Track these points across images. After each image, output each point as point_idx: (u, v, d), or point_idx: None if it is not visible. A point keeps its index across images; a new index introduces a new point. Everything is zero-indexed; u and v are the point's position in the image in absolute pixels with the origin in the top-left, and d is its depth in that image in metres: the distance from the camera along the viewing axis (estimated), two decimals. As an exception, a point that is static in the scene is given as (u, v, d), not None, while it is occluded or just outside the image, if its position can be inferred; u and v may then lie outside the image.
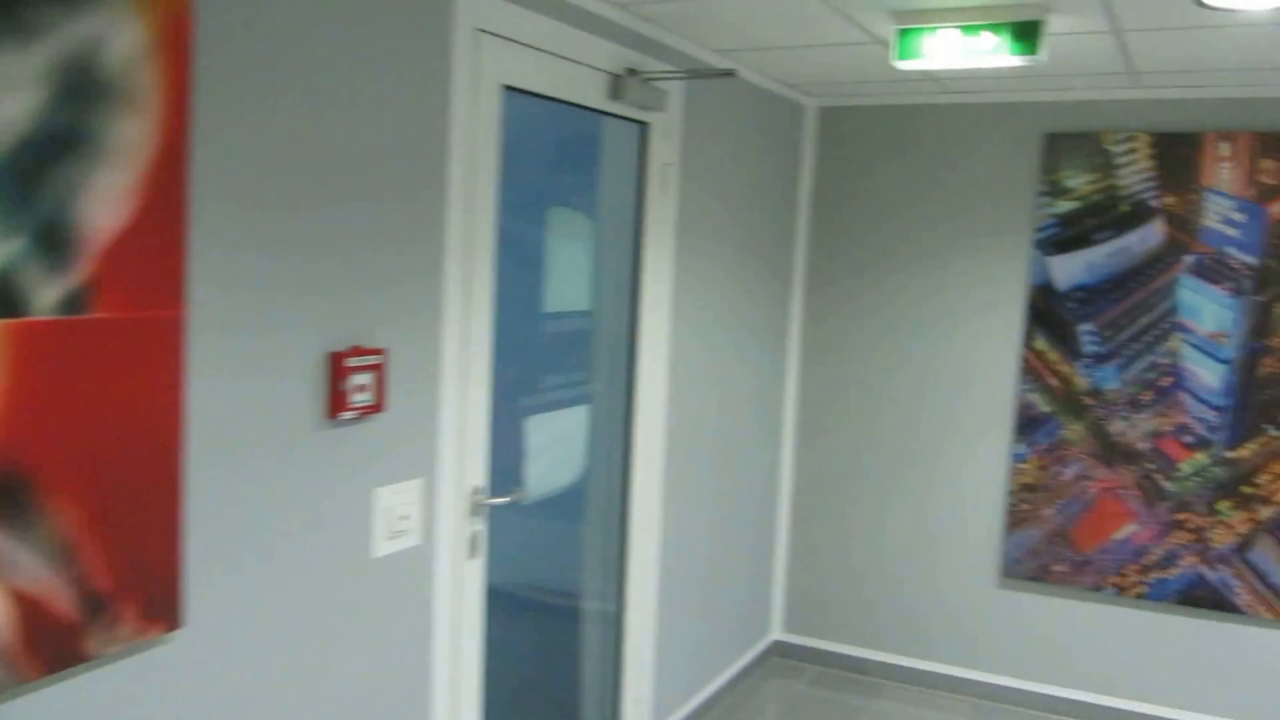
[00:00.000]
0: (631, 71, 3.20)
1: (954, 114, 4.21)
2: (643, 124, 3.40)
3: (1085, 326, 3.99)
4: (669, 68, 3.34)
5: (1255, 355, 3.78)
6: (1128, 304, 3.93)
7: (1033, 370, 4.04)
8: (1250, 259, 3.76)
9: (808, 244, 4.51)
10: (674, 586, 3.78)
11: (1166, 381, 3.91)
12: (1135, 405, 3.95)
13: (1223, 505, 3.85)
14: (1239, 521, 3.84)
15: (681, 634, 3.88)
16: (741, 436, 4.19)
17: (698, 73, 3.31)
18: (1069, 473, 4.07)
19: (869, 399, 4.42)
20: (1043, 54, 3.06)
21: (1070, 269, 4.00)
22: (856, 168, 4.40)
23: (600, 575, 3.54)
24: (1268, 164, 3.70)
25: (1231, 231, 3.79)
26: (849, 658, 4.56)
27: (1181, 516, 3.91)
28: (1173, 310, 3.88)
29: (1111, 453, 3.95)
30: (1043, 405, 4.09)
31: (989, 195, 4.14)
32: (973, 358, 4.20)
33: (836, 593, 4.58)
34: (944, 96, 4.21)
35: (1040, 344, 4.08)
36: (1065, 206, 3.97)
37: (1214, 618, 3.90)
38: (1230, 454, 3.84)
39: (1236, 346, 3.79)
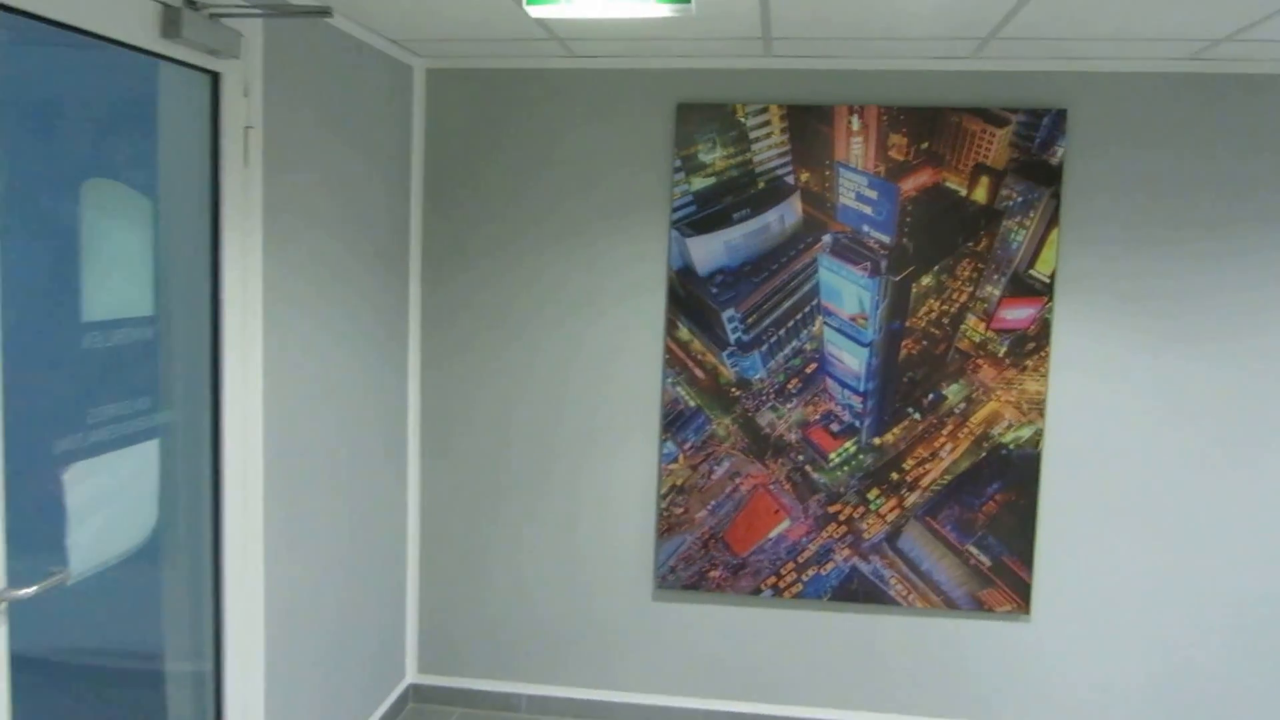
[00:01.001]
0: (191, 3, 2.44)
1: (582, 80, 3.73)
2: (212, 74, 2.60)
3: (729, 313, 3.70)
4: (242, 1, 2.60)
5: (894, 337, 3.66)
6: (769, 288, 3.68)
7: (678, 362, 3.66)
8: (884, 237, 3.62)
9: (424, 230, 3.85)
10: (286, 636, 3.03)
11: (812, 368, 3.70)
12: (783, 395, 3.71)
13: (872, 494, 3.70)
14: (888, 510, 3.71)
15: (299, 689, 3.14)
16: (361, 459, 3.48)
17: (280, 8, 2.54)
18: (720, 471, 3.76)
19: (501, 403, 3.85)
20: (693, 4, 2.67)
21: (710, 251, 3.70)
22: (476, 141, 3.80)
23: (190, 637, 2.75)
24: (897, 139, 3.57)
25: (866, 209, 3.63)
26: (495, 695, 3.95)
27: (834, 509, 3.71)
28: (814, 293, 3.66)
29: (762, 446, 3.65)
30: (690, 399, 3.76)
31: (624, 171, 3.70)
32: (616, 351, 3.75)
33: (476, 623, 3.97)
34: (570, 61, 3.70)
35: (684, 333, 3.74)
36: (701, 183, 3.63)
37: (869, 611, 3.72)
38: (877, 440, 3.69)
39: (876, 329, 3.64)
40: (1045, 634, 3.66)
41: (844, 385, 3.64)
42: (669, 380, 3.67)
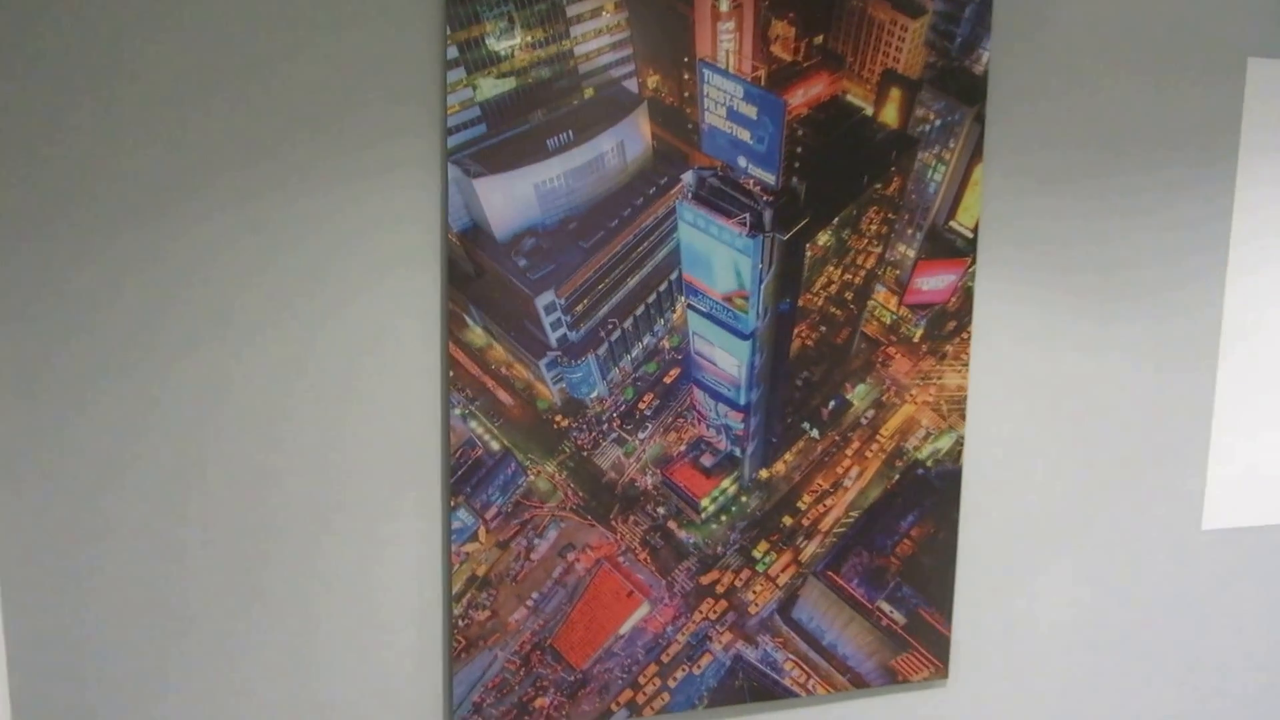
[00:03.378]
0: None
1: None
2: None
3: (546, 298, 2.29)
4: None
5: (784, 323, 2.44)
6: (606, 256, 2.30)
7: (469, 380, 2.11)
8: (768, 175, 2.39)
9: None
10: None
11: (672, 376, 2.39)
12: (632, 420, 2.36)
13: (759, 550, 2.47)
14: (780, 569, 2.51)
15: None
16: None
17: None
18: (545, 545, 2.33)
19: (161, 464, 2.03)
20: None
21: (513, 200, 2.25)
22: (36, 49, 1.92)
23: None
24: (781, 28, 2.34)
25: (742, 134, 2.38)
26: None
27: (709, 578, 2.41)
28: (672, 262, 2.32)
29: (606, 501, 2.22)
30: (492, 438, 2.31)
31: (356, 77, 2.03)
32: (359, 369, 2.09)
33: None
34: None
35: (475, 334, 2.28)
36: (493, 88, 2.06)
37: (759, 711, 2.43)
38: (764, 473, 2.47)
39: (760, 312, 2.44)
40: (967, 699, 2.62)
41: (718, 397, 2.41)
42: (456, 410, 2.12)
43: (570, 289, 2.16)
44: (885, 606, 2.48)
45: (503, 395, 2.17)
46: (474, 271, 2.12)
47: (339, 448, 2.11)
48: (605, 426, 2.22)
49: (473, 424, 2.16)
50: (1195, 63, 2.56)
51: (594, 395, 2.21)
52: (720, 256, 2.24)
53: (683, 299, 2.24)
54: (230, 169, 1.99)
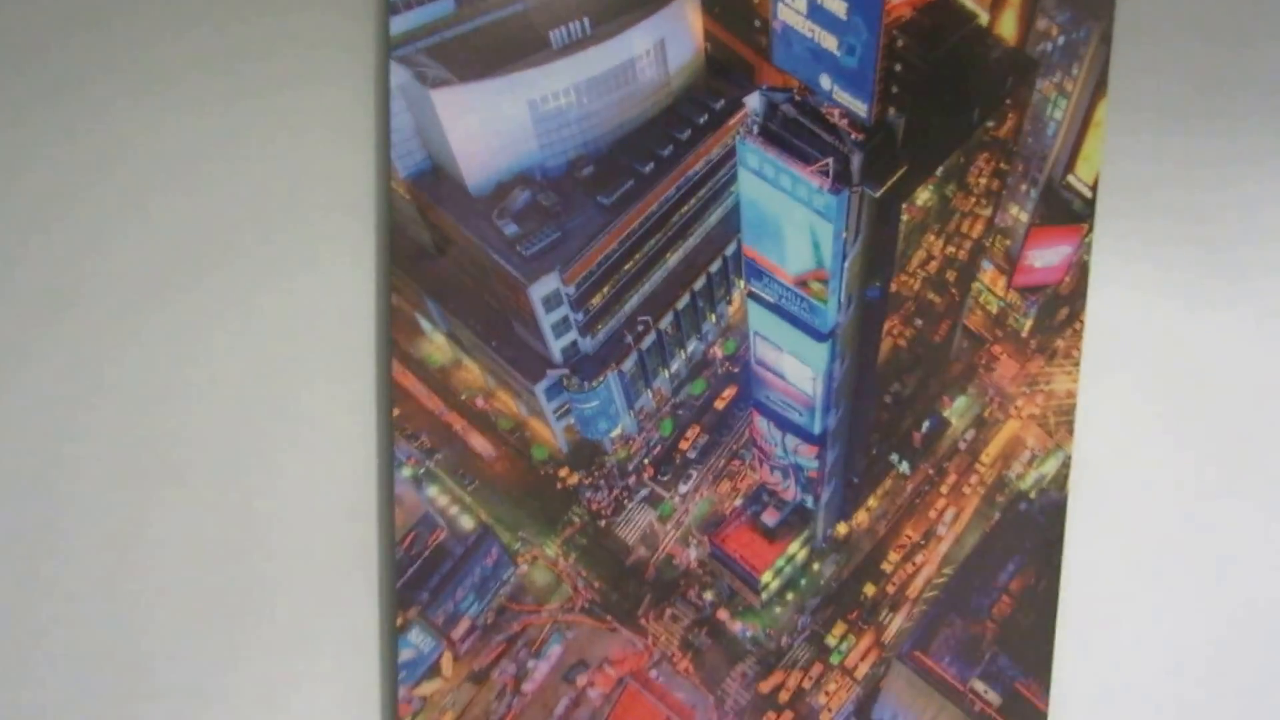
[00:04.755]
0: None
1: None
2: None
3: (546, 286, 1.44)
4: None
5: (872, 316, 1.66)
6: (638, 219, 1.51)
7: (423, 420, 1.25)
8: (857, 103, 1.64)
9: None
10: None
11: (725, 400, 1.58)
12: (670, 466, 1.55)
13: (835, 634, 1.75)
14: (859, 656, 1.79)
15: None
16: None
17: None
18: (543, 668, 1.44)
19: None
20: None
21: (495, 128, 1.37)
22: None
23: None
24: None
25: (827, 40, 1.59)
26: None
27: (770, 683, 1.70)
28: (729, 229, 1.59)
29: (631, 591, 1.41)
30: (461, 512, 1.45)
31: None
32: (241, 421, 1.19)
33: None
34: None
35: (433, 345, 1.40)
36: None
37: None
38: (841, 528, 1.75)
39: (843, 302, 1.69)
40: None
41: (786, 426, 1.63)
42: (405, 470, 1.26)
43: (583, 271, 1.37)
44: (979, 686, 1.82)
45: (478, 442, 1.36)
46: (433, 244, 1.30)
47: (213, 544, 1.26)
48: (632, 480, 1.45)
49: (431, 490, 1.34)
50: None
51: (616, 434, 1.43)
52: (793, 221, 1.50)
53: (742, 284, 1.50)
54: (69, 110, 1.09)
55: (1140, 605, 1.95)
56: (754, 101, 1.41)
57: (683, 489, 1.43)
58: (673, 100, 1.33)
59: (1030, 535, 1.78)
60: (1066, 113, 1.68)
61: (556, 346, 1.32)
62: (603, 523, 1.38)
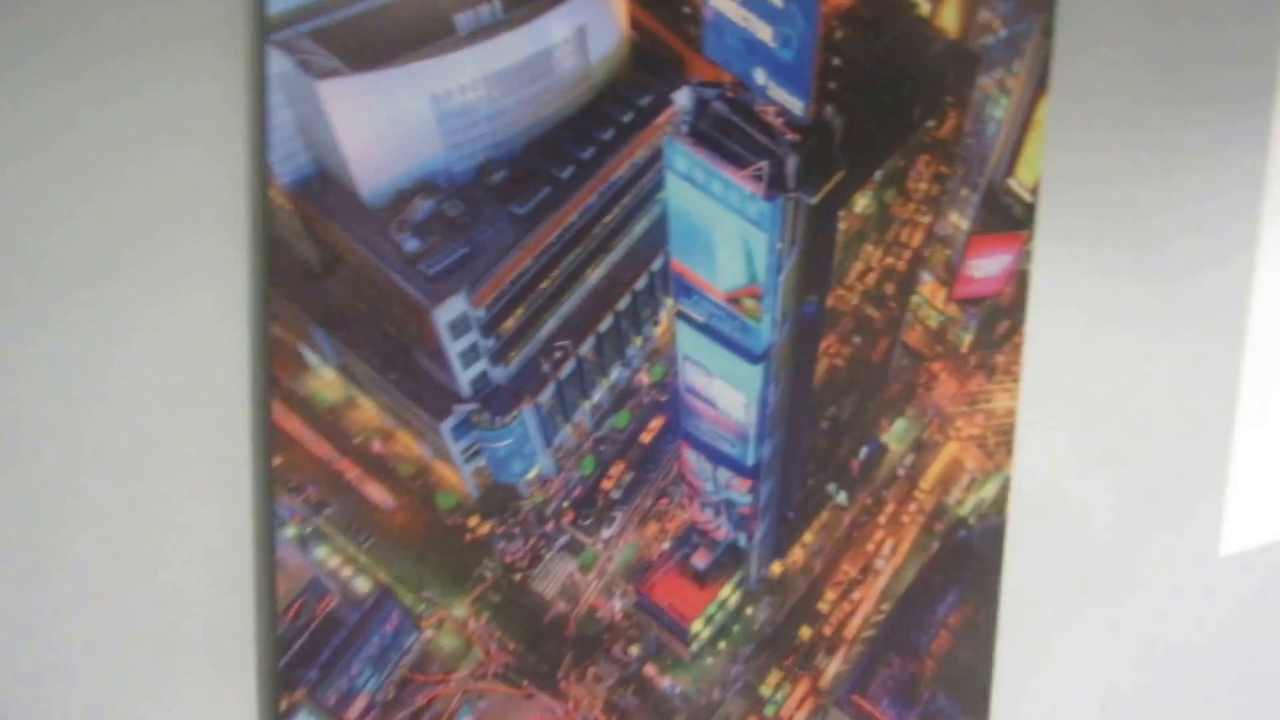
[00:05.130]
0: None
1: None
2: None
3: (452, 309, 1.24)
4: None
5: (808, 334, 1.54)
6: (555, 232, 1.35)
7: (309, 469, 1.07)
8: (794, 100, 1.51)
9: None
10: None
11: (651, 432, 1.43)
12: (592, 508, 1.38)
13: (770, 682, 1.60)
14: (796, 705, 1.64)
15: None
16: None
17: None
18: (453, 744, 1.38)
19: None
20: None
21: (393, 126, 1.18)
22: None
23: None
24: None
25: (761, 30, 1.45)
26: None
27: None
28: (656, 241, 1.43)
29: (550, 651, 1.25)
30: (356, 574, 1.23)
31: None
32: (103, 463, 0.98)
33: None
34: None
35: (321, 381, 1.20)
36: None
37: None
38: (776, 568, 1.61)
39: (776, 319, 1.56)
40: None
41: (718, 458, 1.48)
42: (289, 529, 1.06)
43: (494, 291, 1.21)
44: (913, 728, 1.76)
45: (375, 491, 1.19)
46: (320, 264, 1.13)
47: (61, 639, 1.06)
48: (550, 527, 1.29)
49: (320, 550, 1.17)
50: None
51: (532, 475, 1.27)
52: (725, 231, 1.37)
53: (670, 303, 1.36)
54: None
55: (1077, 636, 1.90)
56: (683, 98, 1.27)
57: (606, 534, 1.30)
58: (595, 95, 1.19)
59: (970, 565, 1.70)
60: (1008, 112, 1.61)
61: (465, 378, 1.17)
62: (518, 576, 1.24)
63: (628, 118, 1.22)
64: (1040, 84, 1.64)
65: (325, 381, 1.09)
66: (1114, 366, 1.82)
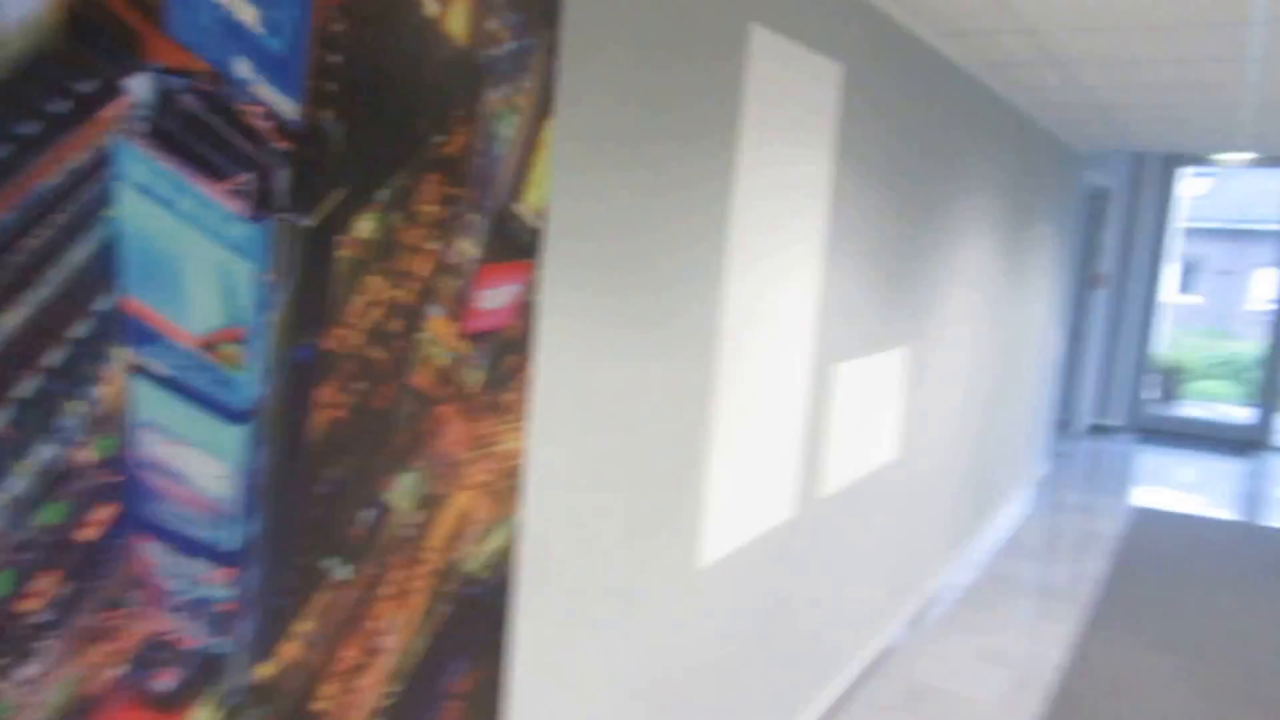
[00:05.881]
0: None
1: None
2: None
3: None
4: None
5: (304, 381, 1.22)
6: None
7: None
8: (284, 99, 1.15)
9: None
10: None
11: (99, 522, 1.03)
12: (8, 643, 0.99)
13: None
14: None
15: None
16: None
17: None
18: None
19: None
20: None
21: None
22: None
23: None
24: None
25: (243, 10, 1.09)
26: None
27: None
28: (103, 272, 1.02)
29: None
30: None
31: None
32: None
33: None
34: None
35: None
36: None
37: None
38: (265, 669, 1.24)
39: (265, 369, 1.20)
40: None
41: (189, 548, 1.12)
42: None
43: None
44: (421, 814, 1.57)
45: None
46: None
47: None
48: (-59, 677, 0.92)
49: None
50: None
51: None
52: (198, 260, 1.08)
53: (123, 353, 1.04)
54: None
55: (593, 658, 1.89)
56: (140, 87, 0.99)
57: (27, 673, 0.98)
58: (11, 76, 0.87)
59: (479, 623, 1.60)
60: (515, 133, 1.52)
61: None
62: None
63: (61, 108, 0.92)
64: (546, 104, 1.58)
65: None
66: (614, 392, 1.83)
